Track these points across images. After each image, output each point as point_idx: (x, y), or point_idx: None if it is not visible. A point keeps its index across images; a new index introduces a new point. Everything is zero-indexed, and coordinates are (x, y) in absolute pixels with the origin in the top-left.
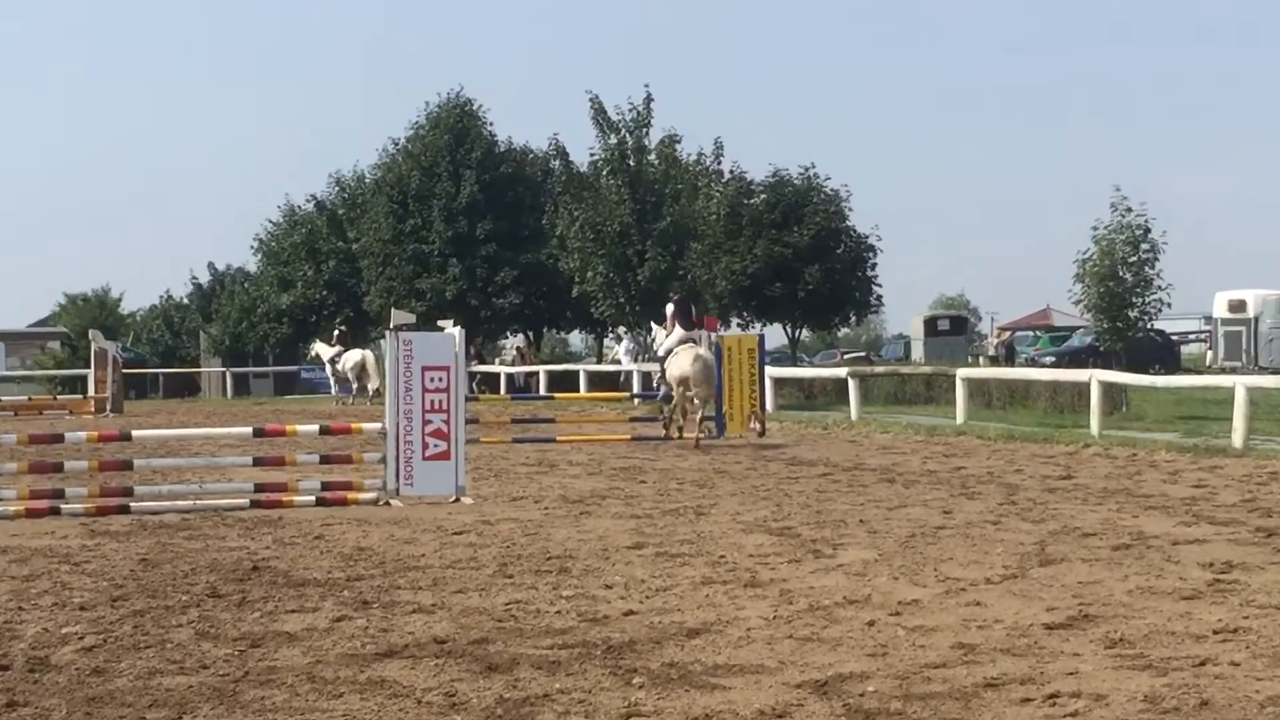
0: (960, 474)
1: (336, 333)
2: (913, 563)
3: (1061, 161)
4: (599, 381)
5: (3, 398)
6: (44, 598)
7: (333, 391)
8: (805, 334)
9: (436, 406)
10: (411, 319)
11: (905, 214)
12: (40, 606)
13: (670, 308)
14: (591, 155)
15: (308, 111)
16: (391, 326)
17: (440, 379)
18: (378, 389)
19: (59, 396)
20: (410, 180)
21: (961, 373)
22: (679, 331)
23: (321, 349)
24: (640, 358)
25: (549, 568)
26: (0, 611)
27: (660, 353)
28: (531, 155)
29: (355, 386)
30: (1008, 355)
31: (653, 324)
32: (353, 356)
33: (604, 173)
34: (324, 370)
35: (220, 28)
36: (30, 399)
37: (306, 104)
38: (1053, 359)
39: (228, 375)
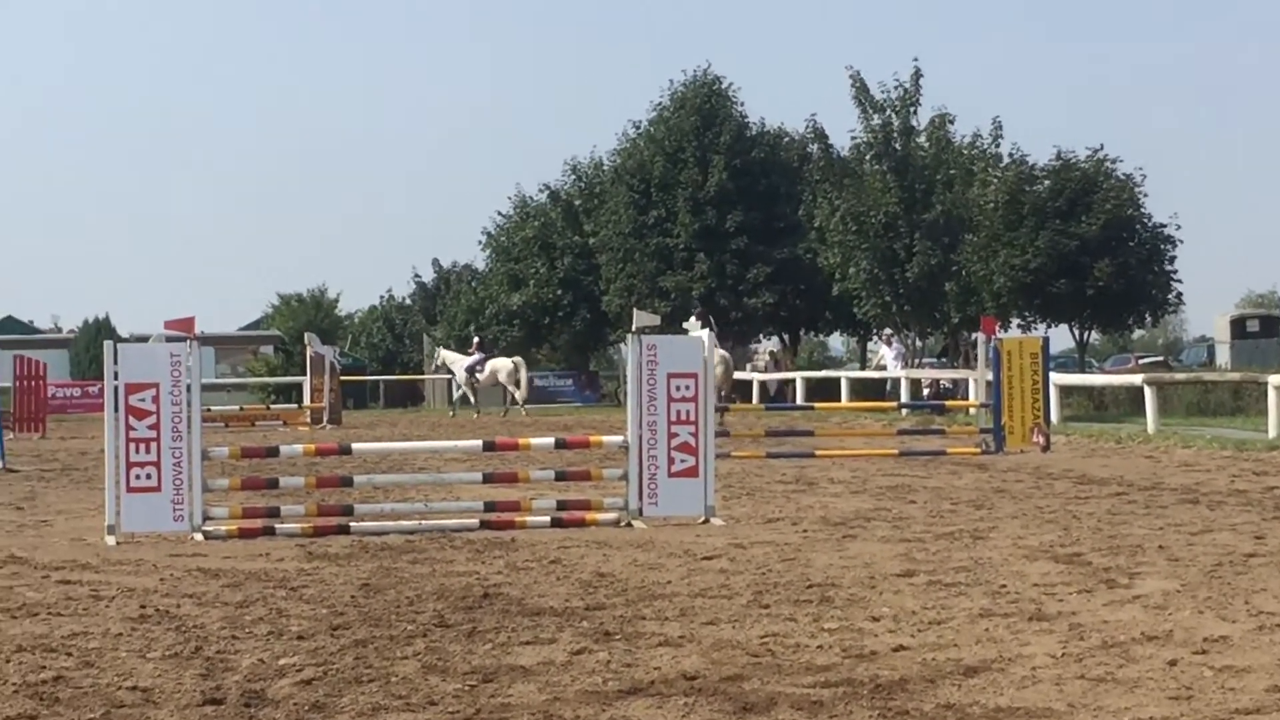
0: (1274, 494)
1: (476, 340)
2: (1220, 594)
3: None
4: (862, 390)
5: (212, 407)
6: (259, 625)
7: (470, 401)
8: (1094, 336)
9: (683, 418)
10: (655, 321)
11: (1208, 200)
12: (255, 635)
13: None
14: (853, 138)
15: (540, 93)
16: (634, 329)
17: (687, 387)
18: (519, 400)
19: (272, 406)
20: (653, 167)
21: (1275, 380)
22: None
23: (451, 356)
24: (910, 363)
25: (809, 597)
26: (213, 641)
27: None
28: (787, 139)
29: (510, 395)
30: None
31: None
32: (504, 365)
33: (867, 157)
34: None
35: (443, 3)
36: (242, 409)
37: (539, 85)
38: None
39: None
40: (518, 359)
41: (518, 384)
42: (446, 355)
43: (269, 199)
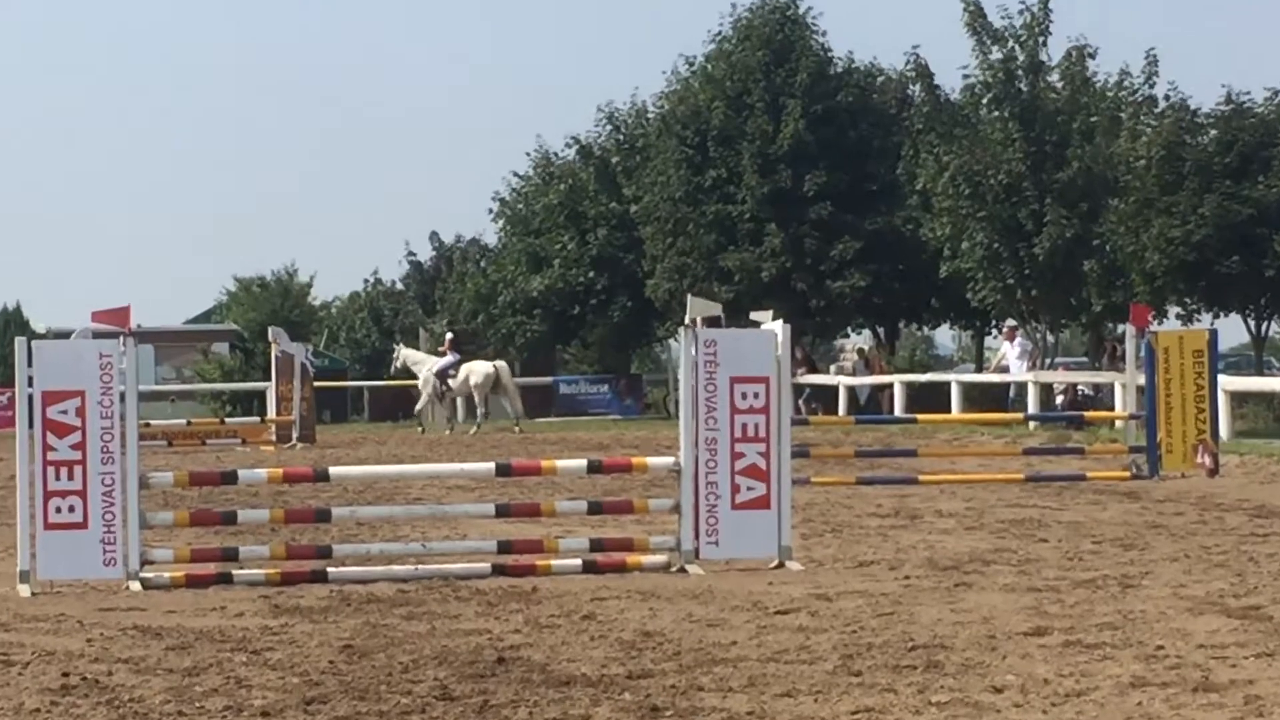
0: None
1: (449, 336)
2: None
3: None
4: (979, 397)
5: (152, 420)
6: (213, 699)
7: (429, 415)
8: (1275, 329)
9: (751, 434)
10: (715, 310)
11: None
12: (208, 712)
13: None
14: (966, 77)
15: (565, 19)
16: (687, 320)
17: (756, 395)
18: (514, 414)
19: (228, 420)
20: (711, 115)
21: None
22: (453, 354)
23: (415, 357)
24: (1039, 363)
25: (912, 662)
26: (154, 718)
27: (436, 370)
28: (881, 78)
29: (481, 411)
30: None
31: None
32: (480, 369)
33: (984, 101)
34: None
35: None
36: (190, 422)
37: (562, 11)
38: None
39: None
40: (500, 363)
41: (504, 394)
42: (409, 355)
43: (222, 161)
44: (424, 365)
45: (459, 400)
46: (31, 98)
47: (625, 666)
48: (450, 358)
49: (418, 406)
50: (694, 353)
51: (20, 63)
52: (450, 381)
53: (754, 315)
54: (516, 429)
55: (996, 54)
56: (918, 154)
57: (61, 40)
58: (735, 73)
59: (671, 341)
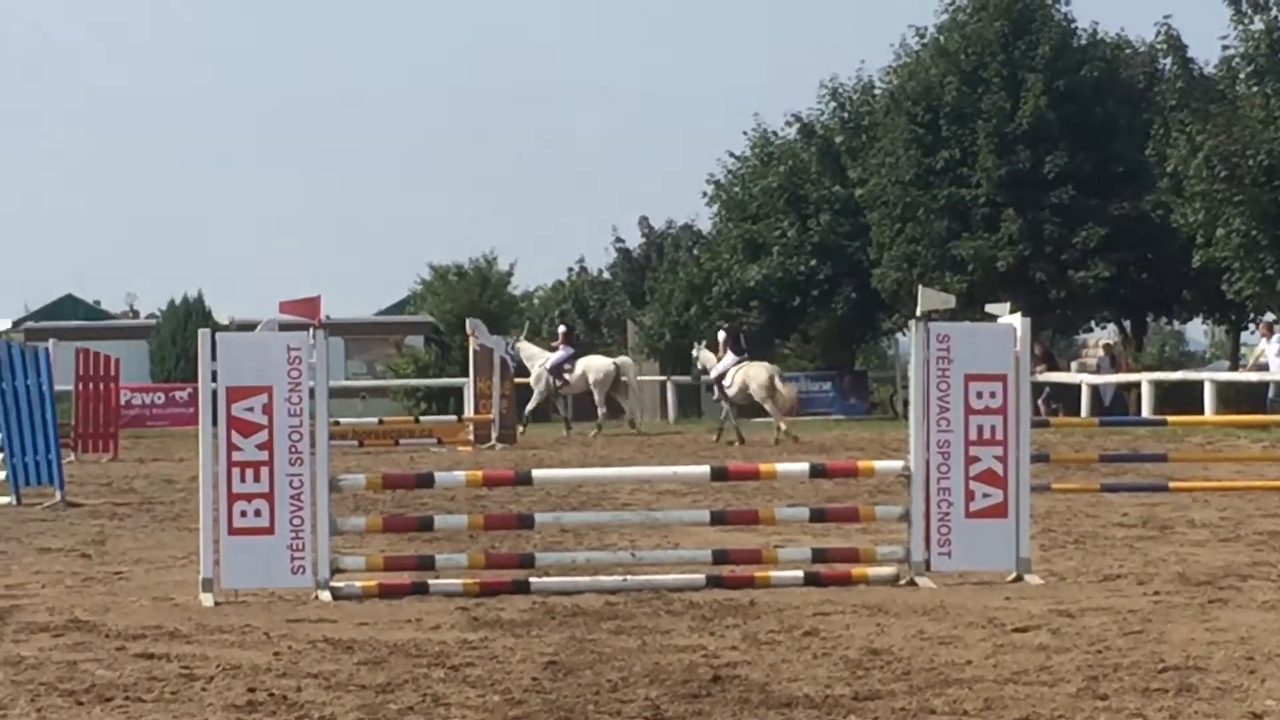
0: None
1: (562, 330)
2: None
3: None
4: (1235, 398)
5: (342, 419)
6: (408, 718)
7: (560, 412)
8: None
9: (987, 436)
10: (949, 302)
11: None
12: None
13: (722, 335)
14: (1224, 48)
15: None
16: (918, 313)
17: (992, 394)
18: (631, 413)
19: (423, 418)
20: (943, 91)
21: None
22: (731, 356)
23: (528, 349)
24: None
25: (1163, 684)
26: None
27: (713, 375)
28: (1129, 51)
29: (601, 411)
30: None
31: (698, 346)
32: (599, 365)
33: (1242, 75)
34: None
35: None
36: (382, 421)
37: None
38: None
39: (669, 385)
40: (622, 359)
41: (622, 392)
42: (524, 348)
43: (416, 142)
44: (537, 360)
45: (569, 398)
46: (216, 82)
47: (851, 687)
48: (564, 352)
49: (529, 405)
50: (925, 348)
51: (207, 55)
52: (566, 377)
53: (990, 308)
54: (634, 430)
55: (1258, 23)
56: (1168, 133)
57: (251, 33)
58: (970, 45)
59: (899, 336)
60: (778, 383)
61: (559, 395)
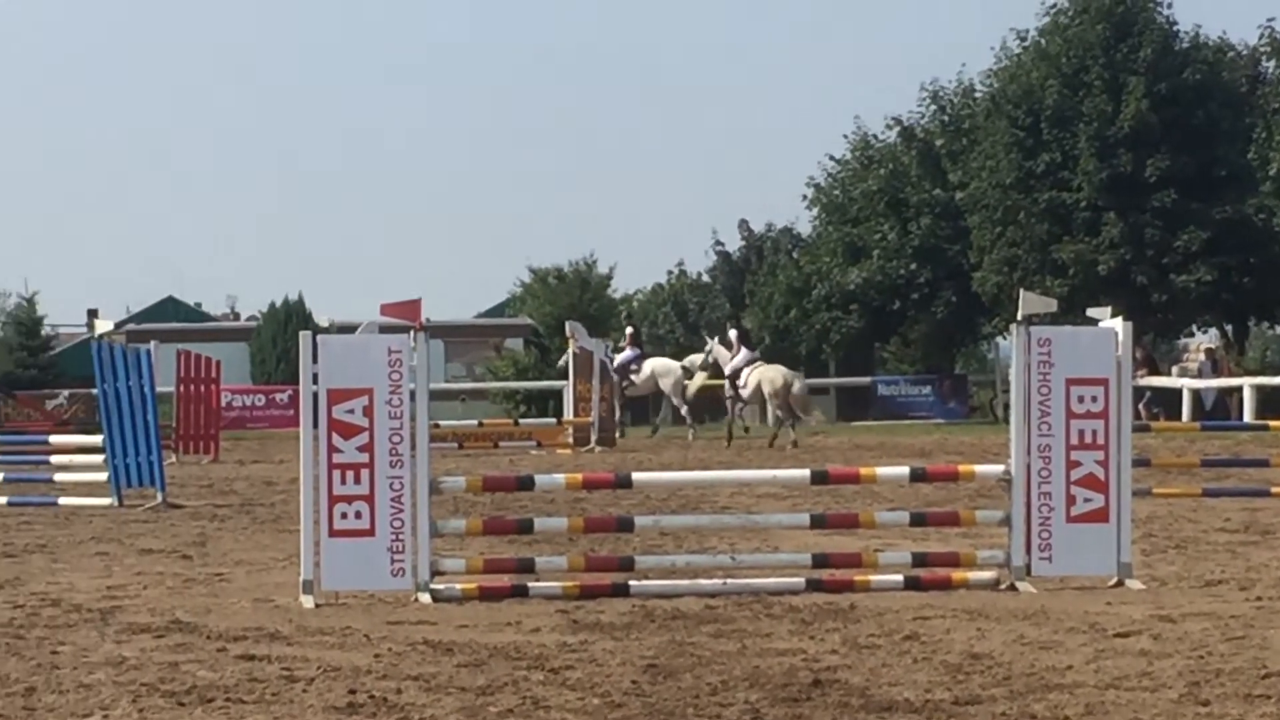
0: None
1: (629, 331)
2: None
3: None
4: None
5: (442, 421)
6: None
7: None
8: None
9: (1088, 441)
10: (1050, 306)
11: None
12: None
13: (734, 332)
14: None
15: None
16: (1019, 317)
17: (1094, 399)
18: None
19: (522, 420)
20: (1044, 94)
21: None
22: (745, 352)
23: (719, 351)
24: None
25: (1265, 691)
26: None
27: (728, 371)
28: (1231, 54)
29: (672, 409)
30: None
31: (712, 341)
32: (665, 368)
33: None
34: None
35: None
36: (481, 424)
37: None
38: None
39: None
40: (692, 358)
41: (683, 396)
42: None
43: (517, 144)
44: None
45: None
46: (318, 86)
47: (951, 691)
48: (629, 353)
49: (657, 415)
50: (1026, 352)
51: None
52: (633, 378)
53: (1091, 312)
54: (690, 436)
55: None
56: (1271, 136)
57: (355, 33)
58: (1072, 48)
59: (1000, 340)
60: (795, 386)
61: (621, 395)
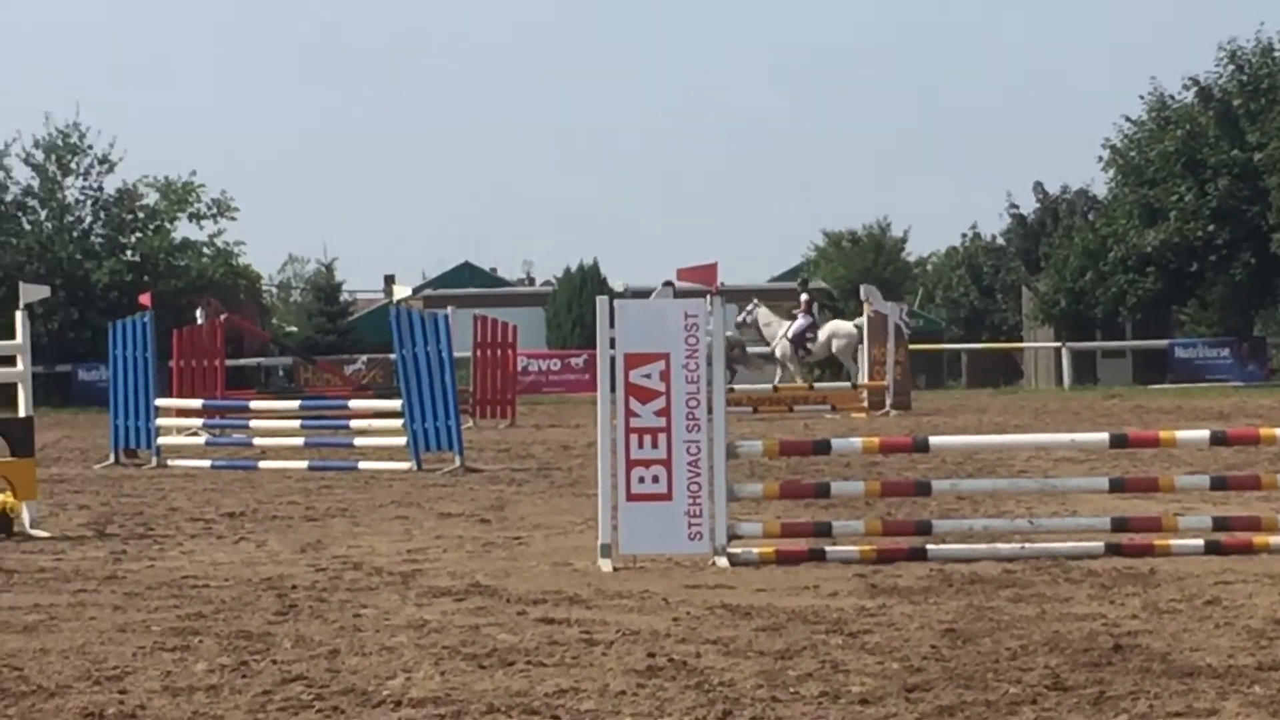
0: None
1: (804, 297)
2: None
3: None
4: None
5: (736, 386)
6: (807, 684)
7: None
8: None
9: None
10: None
11: None
12: (803, 698)
13: (805, 296)
14: None
15: None
16: None
17: None
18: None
19: (816, 385)
20: None
21: None
22: (805, 317)
23: (765, 315)
24: None
25: None
26: (746, 703)
27: (791, 333)
28: None
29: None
30: None
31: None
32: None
33: None
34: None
35: None
36: (776, 388)
37: None
38: None
39: (1063, 353)
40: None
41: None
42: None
43: (811, 109)
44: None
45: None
46: (604, 57)
47: (1254, 657)
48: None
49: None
50: None
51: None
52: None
53: None
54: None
55: None
56: None
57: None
58: None
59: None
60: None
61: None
